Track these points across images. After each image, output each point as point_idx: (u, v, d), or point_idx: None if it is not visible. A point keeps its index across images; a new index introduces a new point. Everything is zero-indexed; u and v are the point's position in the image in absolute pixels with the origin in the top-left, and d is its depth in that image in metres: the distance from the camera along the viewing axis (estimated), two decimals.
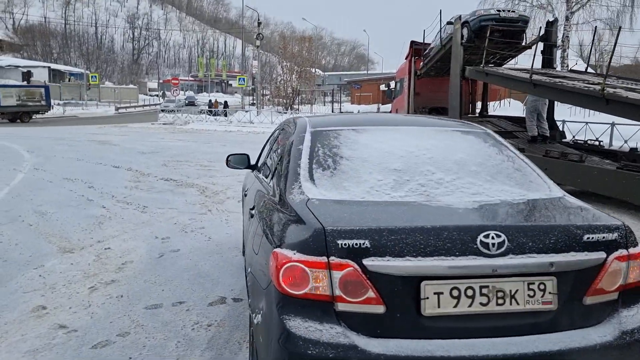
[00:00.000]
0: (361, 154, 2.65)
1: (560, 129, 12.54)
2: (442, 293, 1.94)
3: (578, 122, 13.43)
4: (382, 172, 2.48)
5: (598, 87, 7.98)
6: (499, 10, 12.78)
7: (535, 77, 9.57)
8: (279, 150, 3.24)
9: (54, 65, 68.16)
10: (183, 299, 4.12)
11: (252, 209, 3.16)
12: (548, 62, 12.52)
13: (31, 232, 6.19)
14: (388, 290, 1.93)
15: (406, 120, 3.75)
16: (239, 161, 4.33)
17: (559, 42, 12.36)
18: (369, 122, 3.37)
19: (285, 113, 36.41)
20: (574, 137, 13.15)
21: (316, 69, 41.99)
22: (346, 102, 46.01)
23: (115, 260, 5.13)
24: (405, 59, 17.45)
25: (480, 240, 1.96)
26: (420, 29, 16.55)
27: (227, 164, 4.36)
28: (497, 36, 12.96)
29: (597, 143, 11.18)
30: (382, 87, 19.69)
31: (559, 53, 19.61)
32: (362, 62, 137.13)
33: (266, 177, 3.32)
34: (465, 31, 12.92)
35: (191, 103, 49.24)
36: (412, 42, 16.72)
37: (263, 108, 40.09)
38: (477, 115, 16.53)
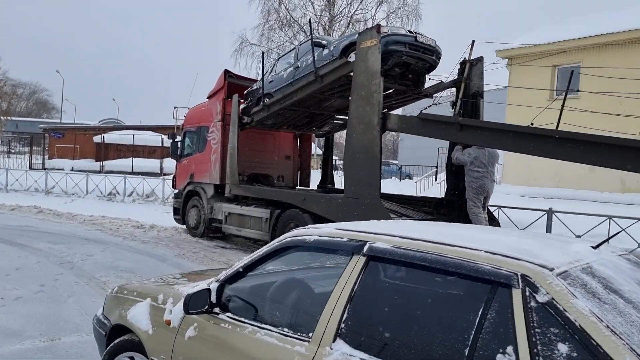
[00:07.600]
0: None
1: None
2: None
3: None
4: None
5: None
6: (413, 32, 8.13)
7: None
8: None
9: None
10: None
11: None
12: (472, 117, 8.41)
13: None
14: None
15: None
16: None
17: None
18: None
19: None
20: None
21: None
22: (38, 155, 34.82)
23: None
24: (209, 97, 11.23)
25: None
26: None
27: None
28: (398, 71, 8.37)
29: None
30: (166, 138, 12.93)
31: None
32: (45, 110, 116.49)
33: None
34: (355, 56, 7.89)
35: None
36: (227, 73, 10.71)
37: None
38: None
